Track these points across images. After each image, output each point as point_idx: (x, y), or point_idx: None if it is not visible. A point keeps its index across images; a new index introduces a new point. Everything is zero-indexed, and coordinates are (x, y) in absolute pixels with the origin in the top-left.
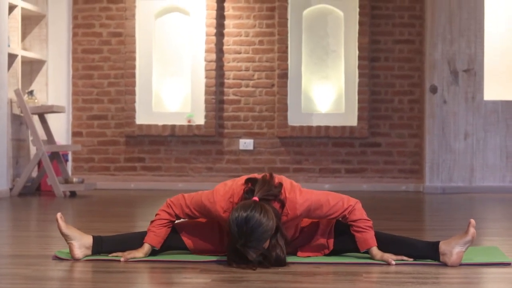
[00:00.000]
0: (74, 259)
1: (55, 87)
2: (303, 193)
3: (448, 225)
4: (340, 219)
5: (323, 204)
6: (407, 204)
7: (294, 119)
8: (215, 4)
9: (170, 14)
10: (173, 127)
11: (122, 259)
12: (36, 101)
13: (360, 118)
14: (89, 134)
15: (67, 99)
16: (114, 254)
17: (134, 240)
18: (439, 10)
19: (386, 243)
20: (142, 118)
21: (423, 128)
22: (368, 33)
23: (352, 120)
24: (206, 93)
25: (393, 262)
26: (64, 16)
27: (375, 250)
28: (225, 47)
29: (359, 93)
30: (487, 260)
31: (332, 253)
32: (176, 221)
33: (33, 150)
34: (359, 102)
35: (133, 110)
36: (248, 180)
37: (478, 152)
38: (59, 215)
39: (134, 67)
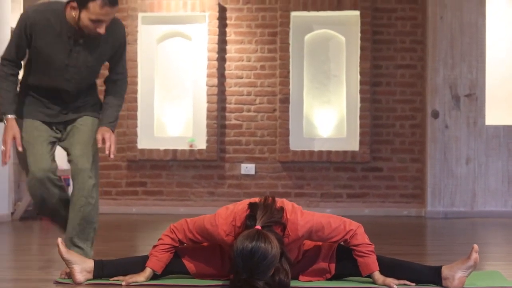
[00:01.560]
0: (75, 284)
1: None
2: (305, 215)
3: (450, 250)
4: (342, 243)
5: (325, 226)
6: (409, 228)
7: (295, 144)
8: (217, 29)
9: (172, 39)
10: (174, 151)
11: (123, 283)
12: None
13: (361, 142)
14: None
15: None
16: (116, 278)
17: (136, 264)
18: (440, 35)
19: (389, 267)
20: (144, 142)
21: (424, 152)
22: (370, 58)
23: (353, 145)
24: (208, 117)
25: (395, 287)
26: None
27: (377, 275)
28: (227, 71)
29: (361, 117)
30: (489, 285)
31: (334, 278)
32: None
33: None
34: (360, 126)
35: (135, 134)
36: (250, 206)
37: (480, 177)
38: (59, 240)
39: (136, 92)
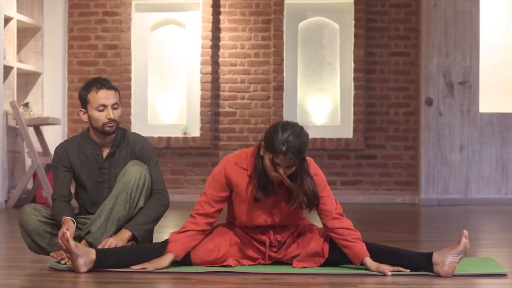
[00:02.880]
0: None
1: (50, 99)
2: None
3: (444, 237)
4: (324, 222)
5: (326, 187)
6: (402, 216)
7: None
8: (210, 17)
9: (165, 26)
10: (168, 139)
11: (148, 268)
12: (31, 113)
13: (355, 130)
14: None
15: (63, 111)
16: (139, 266)
17: (140, 252)
18: (434, 22)
19: (379, 254)
20: (137, 130)
21: (418, 140)
22: (364, 46)
23: (347, 132)
24: (202, 105)
25: (389, 273)
26: (59, 28)
27: (369, 261)
28: (220, 59)
29: (355, 105)
30: (483, 271)
31: (328, 263)
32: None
33: (28, 162)
34: (354, 114)
35: (129, 122)
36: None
37: (473, 164)
38: (68, 234)
39: (129, 80)
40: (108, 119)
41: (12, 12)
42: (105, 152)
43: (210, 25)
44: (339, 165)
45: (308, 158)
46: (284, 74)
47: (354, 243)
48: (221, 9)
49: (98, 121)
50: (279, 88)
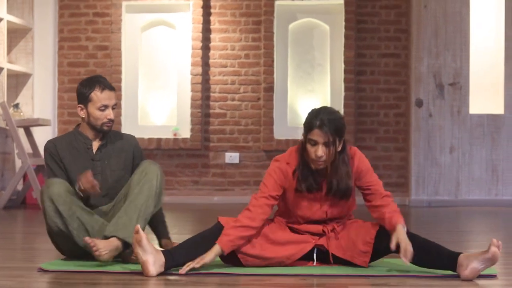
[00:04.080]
0: (147, 276)
1: (40, 100)
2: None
3: (434, 239)
4: (374, 202)
5: (373, 173)
6: None
7: (280, 133)
8: (201, 18)
9: (156, 27)
10: (159, 140)
11: (188, 267)
12: (21, 114)
13: (346, 131)
14: None
15: (53, 112)
16: (187, 267)
17: (205, 241)
18: (424, 23)
19: (416, 247)
20: (127, 131)
21: (408, 141)
22: (354, 47)
23: None
24: (192, 106)
25: (408, 263)
26: (50, 29)
27: (401, 231)
28: (211, 60)
29: (345, 106)
30: None
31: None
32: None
33: (18, 163)
34: (345, 115)
35: (119, 123)
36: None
37: (464, 166)
38: (138, 226)
39: (120, 81)
40: (108, 119)
41: (2, 13)
42: (96, 145)
43: (200, 26)
44: None
45: (353, 148)
46: (275, 75)
47: (398, 213)
48: (212, 10)
49: (98, 120)
50: (270, 89)
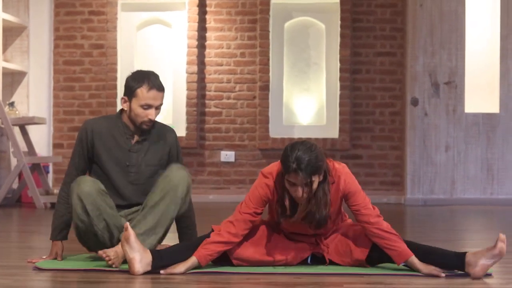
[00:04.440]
0: (133, 274)
1: (36, 99)
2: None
3: (429, 237)
4: (365, 224)
5: (361, 193)
6: (388, 216)
7: (275, 131)
8: (196, 16)
9: (151, 26)
10: None
11: (162, 271)
12: (17, 112)
13: (341, 130)
14: (70, 146)
15: (48, 111)
16: (169, 270)
17: (193, 249)
18: (420, 22)
19: (415, 252)
20: None
21: (404, 140)
22: (350, 46)
23: (333, 132)
24: (188, 105)
25: (443, 274)
26: (45, 27)
27: (416, 261)
28: (206, 59)
29: (341, 105)
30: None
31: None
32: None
33: (14, 161)
34: (340, 114)
35: None
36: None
37: (459, 164)
38: (127, 224)
39: (115, 79)
40: (149, 118)
41: None
42: (136, 136)
43: (196, 25)
44: None
45: (338, 169)
46: (270, 74)
47: (400, 242)
48: (207, 9)
49: (138, 117)
50: (265, 88)
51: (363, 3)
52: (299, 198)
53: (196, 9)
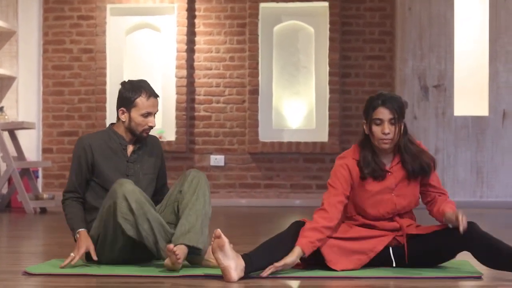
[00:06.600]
0: (228, 282)
1: (25, 104)
2: None
3: None
4: (442, 195)
5: (435, 172)
6: None
7: (265, 135)
8: (185, 21)
9: (141, 30)
10: None
11: (268, 272)
12: (6, 117)
13: (331, 133)
14: (60, 151)
15: (38, 116)
16: (268, 271)
17: (282, 244)
18: (409, 26)
19: (495, 249)
20: None
21: None
22: (339, 49)
23: (323, 136)
24: (177, 109)
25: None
26: (34, 32)
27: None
28: (196, 63)
29: (330, 109)
30: (459, 274)
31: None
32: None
33: (3, 166)
34: (330, 118)
35: (104, 126)
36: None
37: (448, 168)
38: (219, 231)
39: (105, 83)
40: (149, 126)
41: None
42: (130, 147)
43: (185, 29)
44: (314, 169)
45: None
46: (259, 78)
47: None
48: (196, 13)
49: (139, 126)
50: (255, 92)
51: (352, 7)
52: (386, 136)
53: (185, 14)
